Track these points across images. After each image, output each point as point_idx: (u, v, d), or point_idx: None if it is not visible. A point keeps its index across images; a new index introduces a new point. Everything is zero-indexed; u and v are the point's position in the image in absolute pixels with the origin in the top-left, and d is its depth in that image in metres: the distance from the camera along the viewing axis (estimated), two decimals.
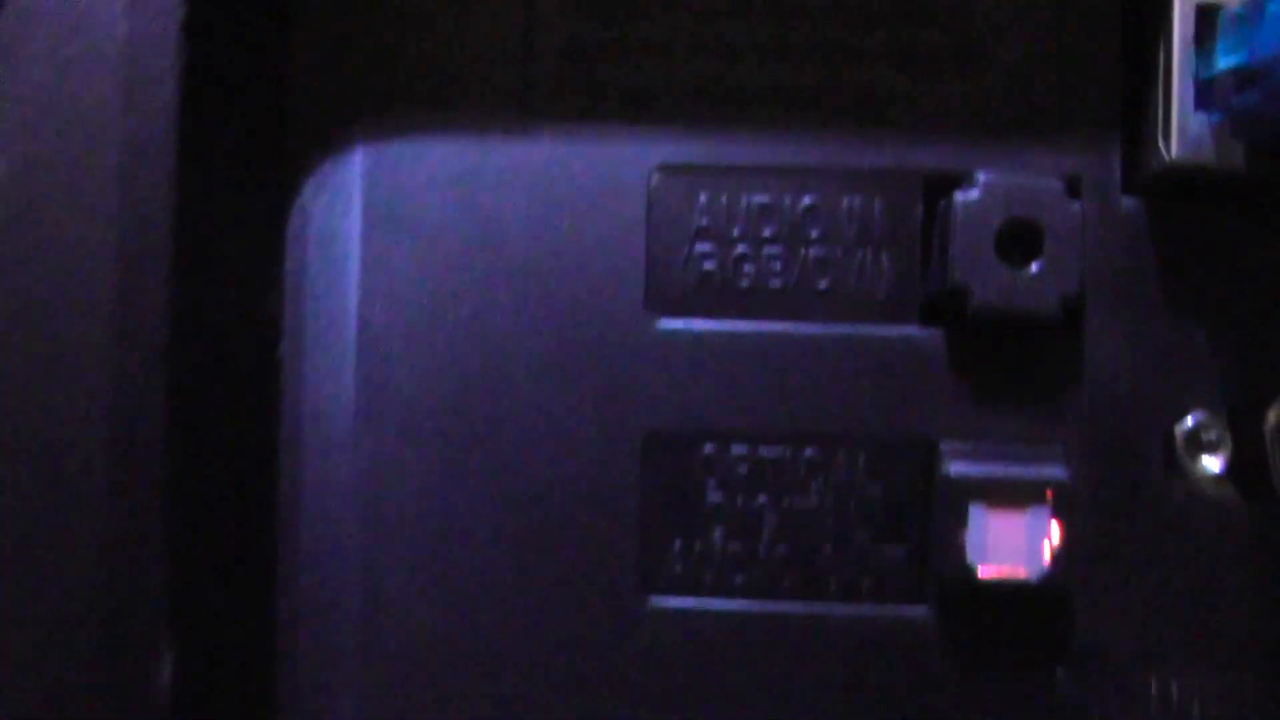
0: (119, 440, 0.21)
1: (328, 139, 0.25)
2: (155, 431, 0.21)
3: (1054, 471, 0.25)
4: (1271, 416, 0.26)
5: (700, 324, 0.25)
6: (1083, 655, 0.26)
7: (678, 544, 0.26)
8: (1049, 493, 0.25)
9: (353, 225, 0.25)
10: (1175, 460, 0.26)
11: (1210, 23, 0.24)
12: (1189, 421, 0.26)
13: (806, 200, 0.26)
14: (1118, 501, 0.25)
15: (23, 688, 0.21)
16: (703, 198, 0.26)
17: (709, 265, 0.26)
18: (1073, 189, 0.25)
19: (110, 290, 0.21)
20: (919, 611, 0.25)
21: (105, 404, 0.21)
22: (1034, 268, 0.25)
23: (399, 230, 0.25)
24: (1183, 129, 0.24)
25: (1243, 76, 0.23)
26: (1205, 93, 0.24)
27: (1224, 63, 0.24)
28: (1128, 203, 0.26)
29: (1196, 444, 0.26)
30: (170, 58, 0.21)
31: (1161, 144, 0.25)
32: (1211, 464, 0.26)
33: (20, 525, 0.21)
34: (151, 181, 0.21)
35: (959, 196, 0.25)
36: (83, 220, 0.21)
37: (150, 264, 0.21)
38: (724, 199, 0.25)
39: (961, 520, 0.25)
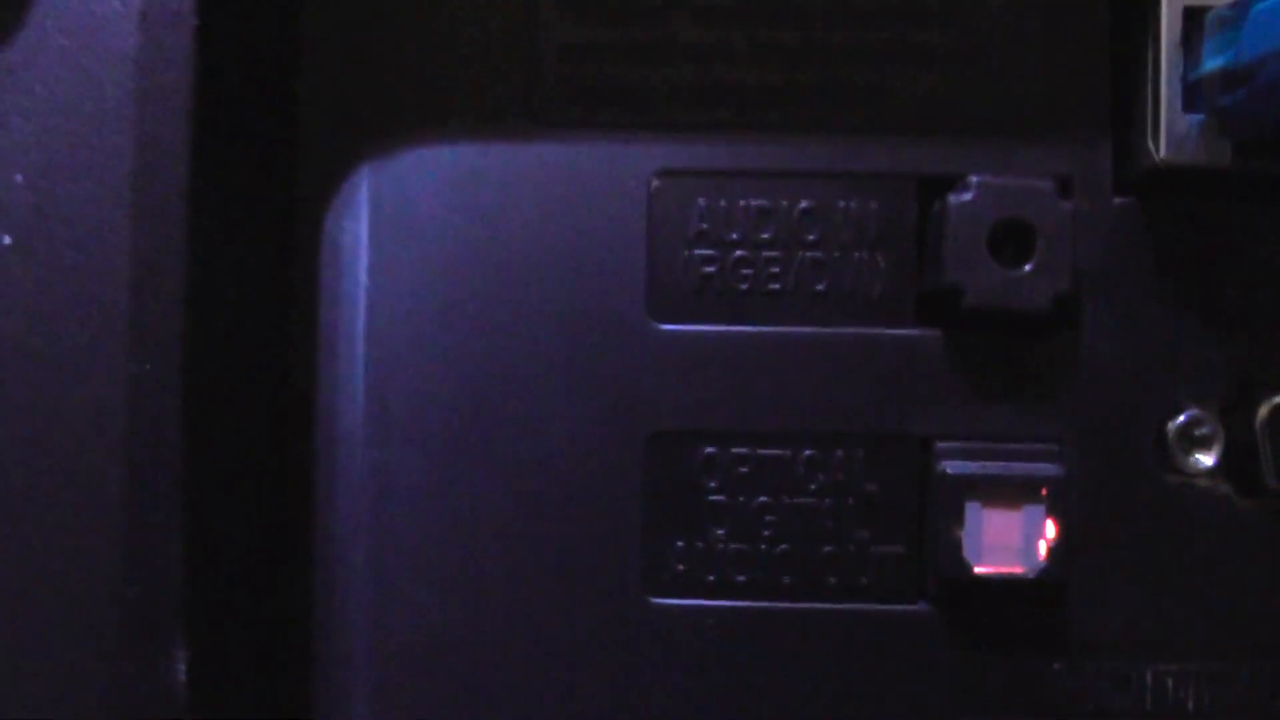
0: (136, 442, 0.22)
1: (336, 146, 0.26)
2: (171, 433, 0.22)
3: (1048, 469, 0.25)
4: (1262, 412, 0.26)
5: (700, 327, 0.26)
6: (1078, 648, 0.26)
7: (680, 544, 0.26)
8: (1044, 490, 0.25)
9: (360, 231, 0.26)
10: (1168, 456, 0.26)
11: (1197, 24, 0.25)
12: (1181, 417, 0.26)
13: (803, 204, 0.26)
14: (1112, 497, 0.26)
15: (40, 681, 0.21)
16: (701, 202, 0.26)
17: (709, 269, 0.26)
18: (1064, 189, 0.26)
19: (125, 295, 0.22)
20: (917, 608, 0.26)
21: (122, 406, 0.22)
22: (1026, 267, 0.25)
23: (405, 236, 0.26)
24: (1171, 129, 0.25)
25: (1229, 77, 0.24)
26: (1193, 93, 0.25)
27: (1211, 63, 0.24)
28: (1119, 202, 0.26)
29: (1189, 439, 0.26)
30: (183, 66, 0.22)
31: (1150, 144, 0.25)
32: (1204, 459, 0.26)
33: (40, 522, 0.22)
34: (165, 187, 0.22)
35: (952, 198, 0.25)
36: (98, 227, 0.21)
37: (164, 269, 0.22)
38: (722, 203, 0.26)
39: (958, 518, 0.25)
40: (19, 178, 0.21)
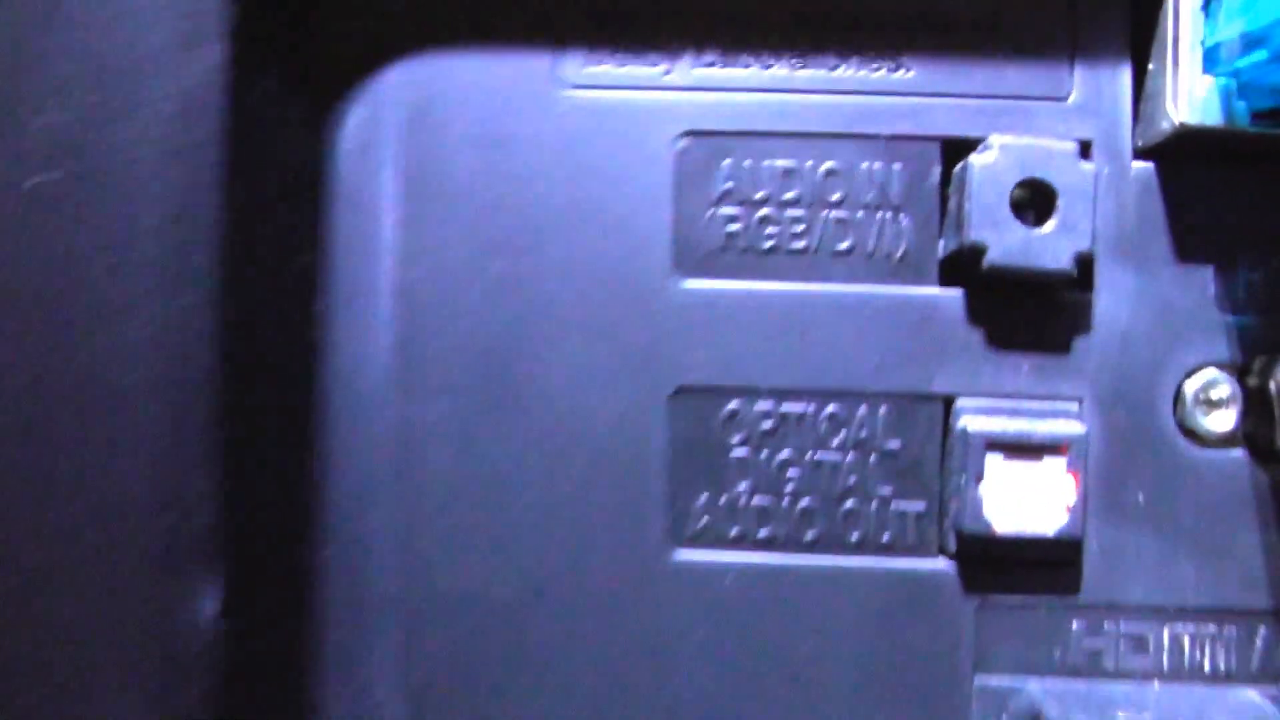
0: (174, 383, 0.22)
1: (367, 102, 0.26)
2: (207, 376, 0.22)
3: (1069, 427, 0.26)
4: (1279, 376, 0.26)
5: (725, 284, 0.26)
6: (1097, 607, 0.26)
7: (704, 498, 0.26)
8: (1064, 448, 0.26)
9: (391, 186, 0.26)
10: (1186, 417, 0.27)
11: None
12: (1199, 379, 0.27)
13: (828, 164, 0.26)
14: (1130, 457, 0.26)
15: (75, 615, 0.22)
16: (727, 162, 0.26)
17: (734, 227, 0.26)
18: (1085, 152, 0.26)
19: (163, 242, 0.22)
20: (939, 563, 0.26)
21: (160, 348, 0.22)
22: (1048, 227, 0.25)
23: (435, 192, 0.26)
24: (1190, 93, 0.25)
25: (1247, 41, 0.24)
26: (1211, 58, 0.25)
27: (1229, 26, 0.25)
28: (1138, 165, 0.26)
29: (1207, 402, 0.27)
30: (217, 12, 0.22)
31: (1170, 107, 0.26)
32: (1221, 421, 0.27)
33: (83, 463, 0.22)
34: (201, 134, 0.22)
35: (975, 159, 0.25)
36: (137, 173, 0.22)
37: (203, 211, 0.22)
38: (748, 163, 0.26)
39: (979, 475, 0.26)
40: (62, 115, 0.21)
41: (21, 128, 0.22)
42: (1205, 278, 0.26)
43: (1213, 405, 0.27)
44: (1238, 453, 0.27)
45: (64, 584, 0.22)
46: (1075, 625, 0.26)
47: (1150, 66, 0.26)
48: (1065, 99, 0.26)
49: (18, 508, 0.22)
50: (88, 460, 0.22)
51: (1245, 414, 0.27)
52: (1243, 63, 0.24)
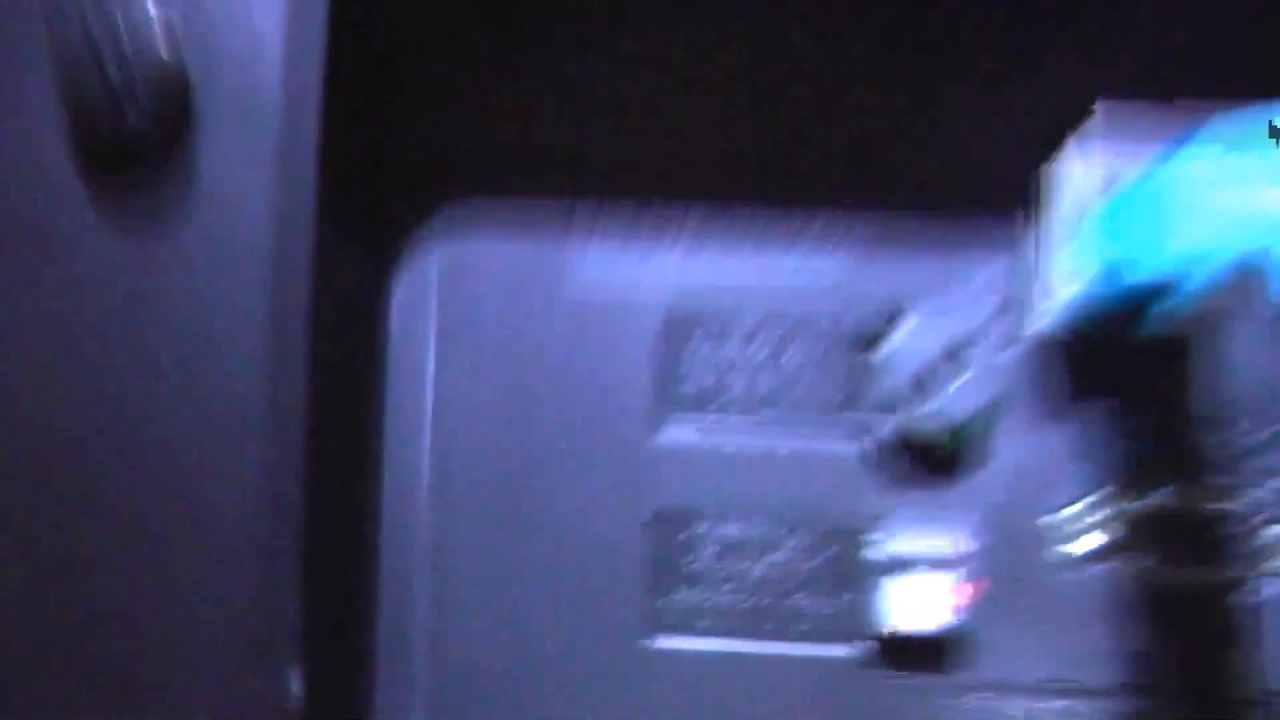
0: (265, 500, 0.28)
1: (414, 261, 0.34)
2: (292, 492, 0.28)
3: (959, 551, 0.33)
4: (1139, 508, 0.33)
5: (692, 433, 0.34)
6: (983, 688, 0.34)
7: (676, 597, 0.34)
8: (954, 567, 0.33)
9: (431, 331, 0.34)
10: (1060, 540, 0.34)
11: (1072, 227, 0.32)
12: (1072, 510, 0.34)
13: (775, 340, 0.34)
14: (1012, 573, 0.34)
15: (180, 692, 0.29)
16: (696, 337, 0.34)
17: (699, 390, 0.34)
18: (982, 335, 0.33)
19: (259, 377, 0.28)
20: (855, 651, 0.34)
21: (256, 482, 0.28)
22: (942, 397, 0.33)
23: (467, 340, 0.34)
24: (1057, 299, 0.32)
25: (1098, 271, 0.31)
26: (1078, 269, 0.32)
27: (1085, 254, 0.32)
28: (1030, 337, 0.33)
29: (1078, 528, 0.34)
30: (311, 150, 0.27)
31: (1043, 308, 0.32)
32: (1090, 543, 0.34)
33: (196, 574, 0.28)
34: (293, 269, 0.28)
35: (888, 339, 0.33)
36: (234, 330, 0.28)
37: (290, 365, 0.28)
38: (712, 339, 0.34)
39: (886, 584, 0.33)
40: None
41: None
42: (1077, 430, 0.34)
43: (1083, 530, 0.34)
44: (1100, 567, 0.34)
45: (167, 663, 0.29)
46: (968, 700, 0.34)
47: (1037, 269, 0.33)
48: (973, 288, 0.33)
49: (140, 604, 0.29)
50: (199, 571, 0.29)
51: (1110, 538, 0.34)
52: (1094, 286, 0.31)
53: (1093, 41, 0.32)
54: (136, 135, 0.26)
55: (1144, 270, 0.29)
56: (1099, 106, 0.30)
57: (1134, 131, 0.30)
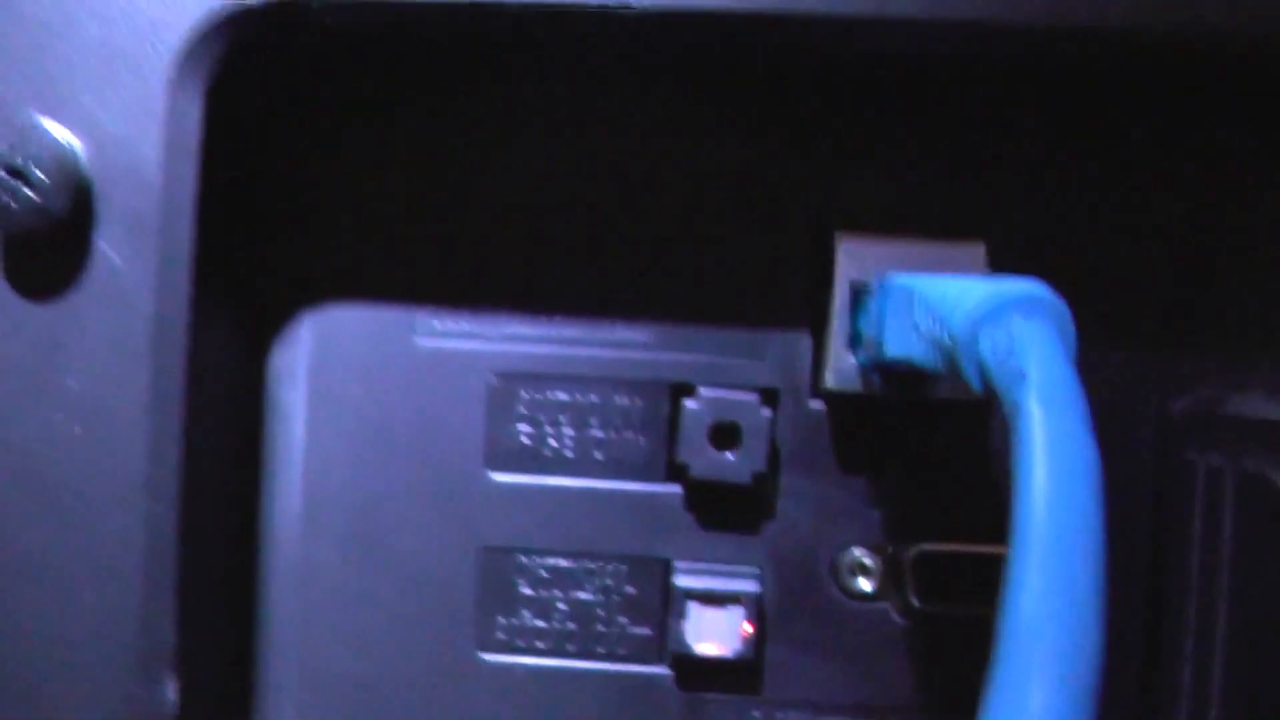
0: (150, 536, 0.35)
1: (284, 337, 0.39)
2: (170, 535, 0.34)
3: (749, 585, 0.38)
4: (910, 554, 0.38)
5: (520, 477, 0.39)
6: (771, 701, 0.38)
7: (501, 620, 0.39)
8: (744, 599, 0.38)
9: (299, 400, 0.39)
10: (840, 579, 0.38)
11: (859, 295, 0.36)
12: (851, 553, 0.38)
13: (592, 399, 0.38)
14: (795, 606, 0.38)
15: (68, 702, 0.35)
16: (523, 395, 0.38)
17: (526, 440, 0.39)
18: (767, 399, 0.37)
19: (140, 446, 0.34)
20: (660, 671, 0.39)
21: (140, 520, 0.35)
22: (732, 454, 0.37)
23: (332, 403, 0.39)
24: (837, 366, 0.37)
25: (869, 339, 0.35)
26: (853, 342, 0.37)
27: (860, 325, 0.36)
28: (814, 405, 0.38)
29: (855, 569, 0.38)
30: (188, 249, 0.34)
31: (825, 374, 0.37)
32: (865, 584, 0.38)
33: (80, 604, 0.35)
34: (171, 329, 0.34)
35: (687, 403, 0.37)
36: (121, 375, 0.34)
37: (168, 425, 0.34)
38: (537, 397, 0.38)
39: (683, 614, 0.38)
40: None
41: None
42: (859, 483, 0.38)
43: (860, 572, 0.38)
44: (878, 605, 0.38)
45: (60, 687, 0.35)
46: (756, 714, 0.39)
47: (819, 340, 0.38)
48: (763, 359, 0.38)
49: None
50: (88, 594, 0.35)
51: (884, 580, 0.38)
52: (869, 351, 0.36)
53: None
54: (49, 224, 0.34)
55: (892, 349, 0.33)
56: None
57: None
